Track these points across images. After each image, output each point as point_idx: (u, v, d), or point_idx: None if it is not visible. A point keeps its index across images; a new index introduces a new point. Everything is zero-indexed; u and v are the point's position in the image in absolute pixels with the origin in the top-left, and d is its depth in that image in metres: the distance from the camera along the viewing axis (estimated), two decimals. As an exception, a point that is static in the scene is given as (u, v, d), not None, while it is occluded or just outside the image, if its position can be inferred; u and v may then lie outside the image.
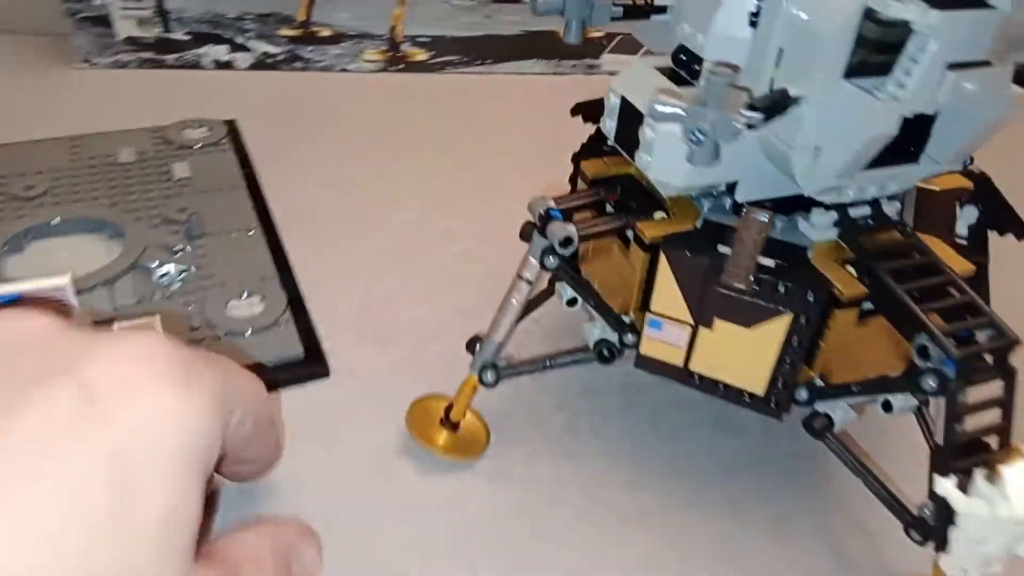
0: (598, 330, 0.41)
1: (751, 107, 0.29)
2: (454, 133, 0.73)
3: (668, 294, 0.37)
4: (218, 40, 0.79)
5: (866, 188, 0.35)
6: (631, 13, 0.39)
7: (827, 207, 0.37)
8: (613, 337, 0.41)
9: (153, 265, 0.51)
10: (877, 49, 0.30)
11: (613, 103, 0.38)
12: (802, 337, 0.35)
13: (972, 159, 0.39)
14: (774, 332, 0.36)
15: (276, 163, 0.65)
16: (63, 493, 0.10)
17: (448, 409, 0.44)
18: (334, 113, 0.74)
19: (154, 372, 0.12)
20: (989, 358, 0.32)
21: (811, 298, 0.35)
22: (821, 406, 0.38)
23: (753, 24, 0.33)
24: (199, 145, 0.65)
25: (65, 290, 0.19)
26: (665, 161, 0.35)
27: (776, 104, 0.30)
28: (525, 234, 0.40)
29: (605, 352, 0.41)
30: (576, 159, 0.43)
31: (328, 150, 0.69)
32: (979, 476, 0.32)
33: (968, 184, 0.41)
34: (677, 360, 0.39)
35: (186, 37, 0.79)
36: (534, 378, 0.48)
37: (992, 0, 0.30)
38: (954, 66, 0.30)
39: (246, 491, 0.40)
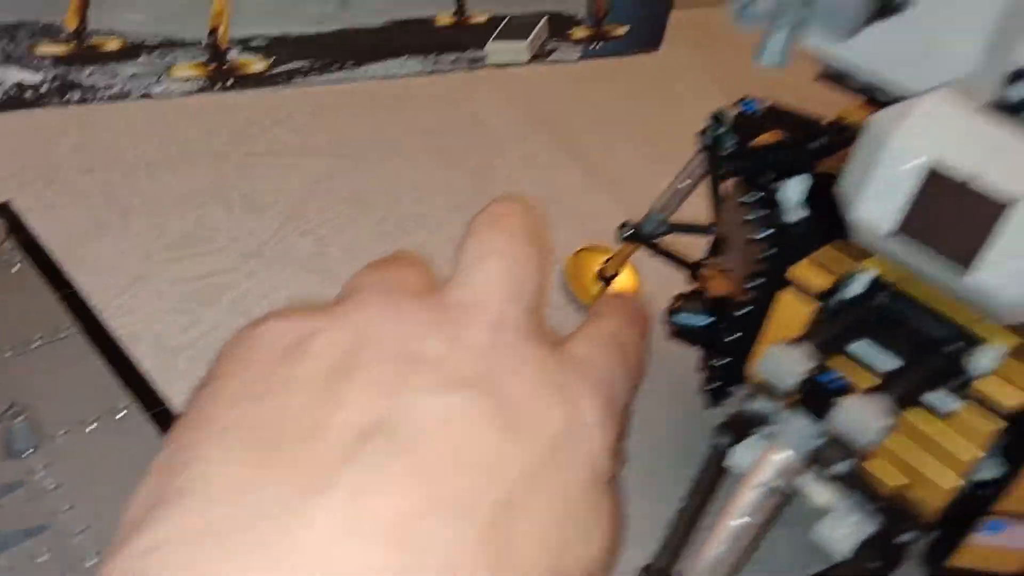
0: (846, 529, 0.26)
1: None
2: (319, 172, 0.52)
3: (1048, 488, 0.22)
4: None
5: None
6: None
7: None
8: (868, 532, 0.25)
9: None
10: None
11: (903, 170, 0.22)
12: None
13: None
14: None
15: (89, 266, 0.41)
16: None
17: None
18: (144, 165, 0.50)
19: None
20: None
21: None
22: None
23: None
24: (-36, 258, 0.39)
25: None
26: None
27: None
28: (737, 423, 0.23)
29: (876, 564, 0.25)
30: (778, 265, 0.27)
31: (146, 233, 0.45)
32: None
33: None
34: (1008, 567, 0.24)
35: None
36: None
37: None
38: None
39: None
